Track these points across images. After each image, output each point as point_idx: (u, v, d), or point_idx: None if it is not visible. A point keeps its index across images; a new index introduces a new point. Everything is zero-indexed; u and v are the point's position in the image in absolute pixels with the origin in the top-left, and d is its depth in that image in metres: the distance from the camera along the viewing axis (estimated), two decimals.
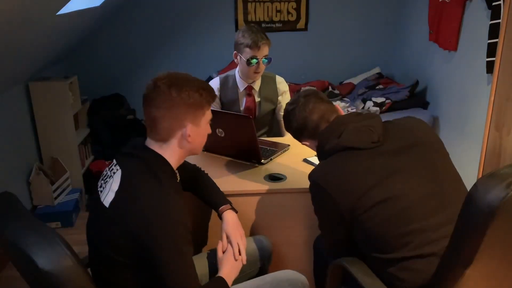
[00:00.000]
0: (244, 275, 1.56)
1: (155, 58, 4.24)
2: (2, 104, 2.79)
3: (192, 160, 1.83)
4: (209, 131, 1.39)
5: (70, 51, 3.86)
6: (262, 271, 1.67)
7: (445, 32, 3.17)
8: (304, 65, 4.36)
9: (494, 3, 2.48)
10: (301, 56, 4.35)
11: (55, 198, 3.09)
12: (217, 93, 2.41)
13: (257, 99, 2.46)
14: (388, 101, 3.82)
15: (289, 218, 1.86)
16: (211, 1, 4.14)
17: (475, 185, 1.05)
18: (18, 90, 3.03)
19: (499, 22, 2.35)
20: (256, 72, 2.34)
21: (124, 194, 1.22)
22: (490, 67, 2.54)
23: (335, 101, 4.11)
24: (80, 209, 3.30)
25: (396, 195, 1.30)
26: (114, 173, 1.28)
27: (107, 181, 1.29)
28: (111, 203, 1.22)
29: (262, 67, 2.34)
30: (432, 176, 1.35)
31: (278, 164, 2.02)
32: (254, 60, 2.27)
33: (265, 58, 2.30)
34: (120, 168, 1.28)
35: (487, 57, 2.56)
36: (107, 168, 1.35)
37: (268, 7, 4.17)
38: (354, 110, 3.85)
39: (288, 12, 4.20)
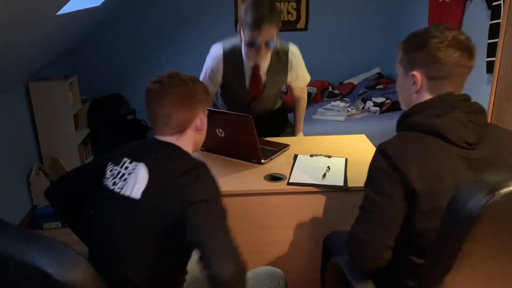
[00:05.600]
0: None
1: (155, 58, 4.24)
2: (2, 104, 2.79)
3: None
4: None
5: (70, 51, 3.86)
6: None
7: None
8: (307, 65, 4.35)
9: (494, 3, 2.48)
10: (303, 55, 4.34)
11: None
12: (219, 67, 2.18)
13: (264, 79, 2.22)
14: (388, 101, 3.82)
15: (289, 218, 1.86)
16: (211, 1, 4.14)
17: (457, 191, 1.03)
18: (18, 90, 3.03)
19: (499, 22, 2.35)
20: (258, 56, 2.04)
21: (158, 180, 1.25)
22: (490, 67, 2.54)
23: (335, 101, 4.11)
24: None
25: None
26: (133, 168, 1.29)
27: (126, 178, 1.29)
28: (144, 192, 1.24)
29: (265, 51, 2.03)
30: None
31: (278, 164, 2.02)
32: (255, 42, 1.97)
33: (269, 41, 1.97)
34: (141, 161, 1.29)
35: (487, 57, 2.56)
36: (116, 168, 1.34)
37: None
38: (354, 110, 3.85)
39: (288, 12, 4.20)
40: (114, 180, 1.32)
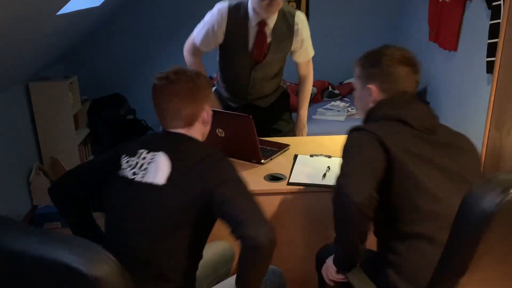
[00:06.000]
0: (219, 275, 1.64)
1: (155, 58, 4.24)
2: (2, 104, 2.79)
3: None
4: None
5: (70, 51, 3.86)
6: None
7: (445, 32, 3.17)
8: None
9: (494, 3, 2.48)
10: None
11: None
12: (222, 22, 2.10)
13: (269, 39, 2.14)
14: None
15: (289, 218, 1.85)
16: (211, 1, 4.13)
17: (470, 190, 1.03)
18: (18, 90, 3.03)
19: (499, 22, 2.35)
20: (269, 9, 1.97)
21: (180, 166, 1.31)
22: (490, 67, 2.53)
23: (335, 101, 4.11)
24: None
25: (425, 180, 1.30)
26: (152, 158, 1.34)
27: (146, 167, 1.33)
28: (168, 178, 1.29)
29: (278, 3, 1.95)
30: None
31: (278, 164, 2.02)
32: None
33: None
34: (160, 151, 1.35)
35: (487, 57, 2.55)
36: (133, 159, 1.37)
37: None
38: (354, 110, 3.84)
39: None
40: (133, 170, 1.36)
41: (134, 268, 1.21)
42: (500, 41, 2.09)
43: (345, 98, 4.18)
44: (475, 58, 2.77)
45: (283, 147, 2.16)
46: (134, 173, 1.35)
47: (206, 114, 1.44)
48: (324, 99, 4.18)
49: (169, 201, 1.29)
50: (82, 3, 2.73)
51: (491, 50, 2.49)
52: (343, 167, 1.32)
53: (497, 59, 2.10)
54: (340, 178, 1.29)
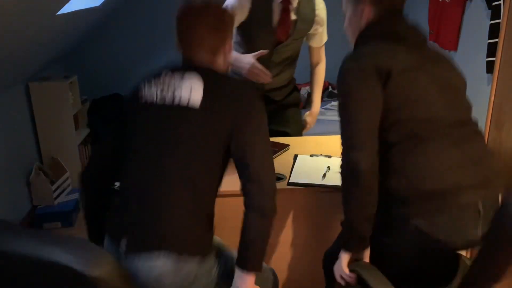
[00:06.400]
0: None
1: (155, 58, 4.24)
2: (2, 104, 2.79)
3: None
4: None
5: (70, 51, 3.86)
6: None
7: (445, 32, 3.17)
8: (305, 65, 4.35)
9: (494, 3, 2.48)
10: (301, 55, 4.33)
11: (55, 198, 3.09)
12: (245, 0, 2.08)
13: (293, 17, 2.14)
14: None
15: (289, 218, 1.85)
16: None
17: (505, 199, 1.00)
18: (18, 90, 3.03)
19: (499, 22, 2.35)
20: None
21: (212, 92, 1.31)
22: (490, 67, 2.53)
23: (335, 101, 4.10)
24: (80, 209, 3.30)
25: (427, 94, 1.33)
26: (181, 81, 1.32)
27: (174, 89, 1.31)
28: (202, 103, 1.28)
29: None
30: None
31: (278, 164, 2.01)
32: None
33: None
34: (189, 74, 1.33)
35: (487, 57, 2.55)
36: (156, 81, 1.35)
37: None
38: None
39: None
40: (162, 94, 1.33)
41: (168, 188, 1.27)
42: (500, 41, 2.09)
43: None
44: (475, 58, 2.77)
45: (283, 147, 2.16)
46: (163, 97, 1.32)
47: (228, 46, 1.42)
48: (324, 99, 4.17)
49: (203, 125, 1.29)
50: (82, 3, 2.73)
51: (491, 50, 2.49)
52: (345, 127, 1.35)
53: (497, 59, 2.11)
54: (346, 149, 1.33)
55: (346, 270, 1.38)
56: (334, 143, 2.25)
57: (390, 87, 1.31)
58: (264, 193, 1.28)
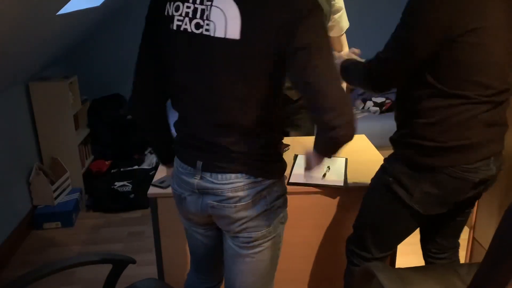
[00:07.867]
0: None
1: None
2: (2, 104, 2.79)
3: None
4: None
5: (70, 51, 3.86)
6: None
7: None
8: None
9: None
10: None
11: (55, 198, 3.09)
12: None
13: None
14: (388, 101, 3.83)
15: (288, 218, 1.85)
16: None
17: None
18: (18, 90, 3.03)
19: None
20: None
21: (251, 17, 1.15)
22: None
23: None
24: (80, 209, 3.30)
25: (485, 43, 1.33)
26: (209, 7, 1.19)
27: (208, 14, 1.19)
28: (242, 29, 1.15)
29: None
30: None
31: None
32: None
33: None
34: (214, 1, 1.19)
35: None
36: (185, 4, 1.25)
37: None
38: (354, 110, 3.85)
39: None
40: (194, 20, 1.22)
41: (217, 130, 1.26)
42: None
43: None
44: None
45: (283, 147, 2.16)
46: (197, 24, 1.21)
47: None
48: None
49: (246, 54, 1.17)
50: (82, 3, 2.73)
51: None
52: (393, 41, 1.55)
53: None
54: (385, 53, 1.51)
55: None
56: None
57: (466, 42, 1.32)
58: (338, 117, 1.10)
